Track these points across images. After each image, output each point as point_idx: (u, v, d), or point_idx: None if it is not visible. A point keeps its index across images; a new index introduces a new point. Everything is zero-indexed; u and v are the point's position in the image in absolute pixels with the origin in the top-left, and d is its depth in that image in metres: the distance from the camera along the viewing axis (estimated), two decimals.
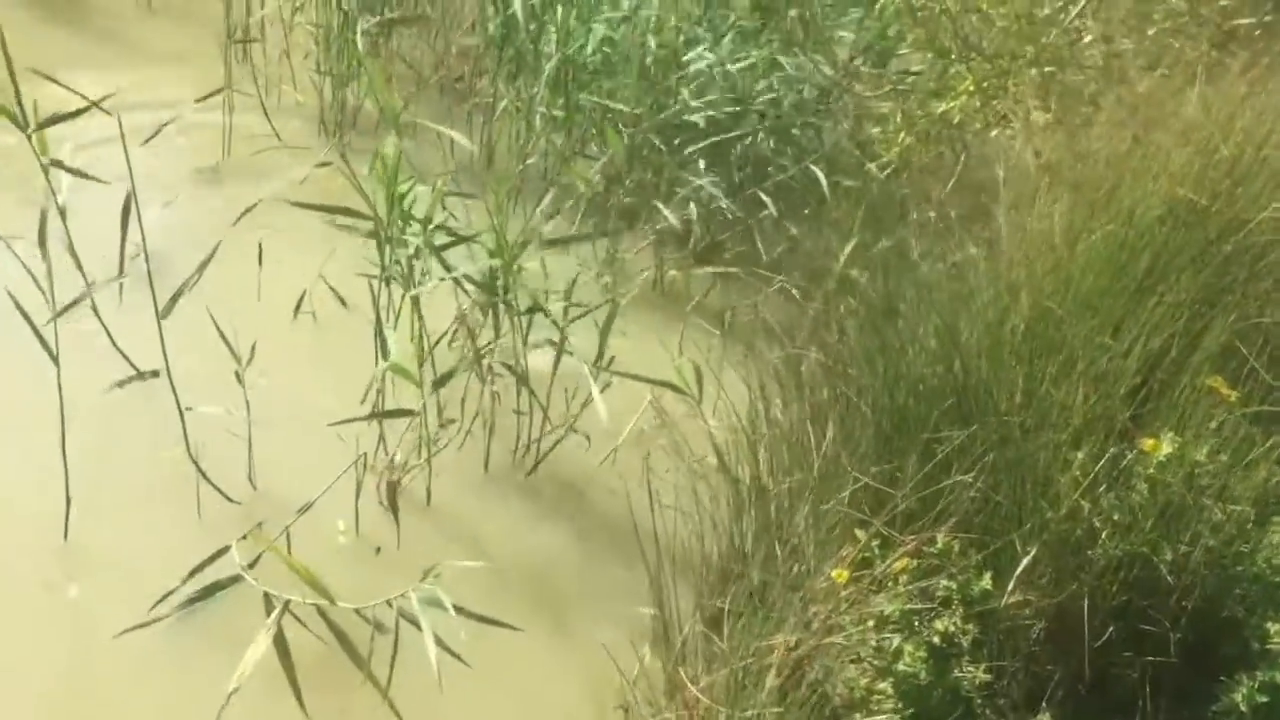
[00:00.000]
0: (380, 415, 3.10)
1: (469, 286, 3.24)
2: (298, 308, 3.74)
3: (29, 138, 2.63)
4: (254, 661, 2.30)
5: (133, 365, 3.14)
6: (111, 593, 2.82)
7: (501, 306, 3.24)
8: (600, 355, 3.23)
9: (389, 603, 2.48)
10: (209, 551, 2.73)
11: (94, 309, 3.09)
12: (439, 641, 2.42)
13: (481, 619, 2.59)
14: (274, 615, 2.35)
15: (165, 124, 3.22)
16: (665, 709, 2.41)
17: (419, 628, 2.42)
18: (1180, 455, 2.30)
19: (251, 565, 2.62)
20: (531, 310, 3.25)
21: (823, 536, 2.45)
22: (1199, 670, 2.34)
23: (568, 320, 3.26)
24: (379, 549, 3.07)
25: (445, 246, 3.19)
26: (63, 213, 2.84)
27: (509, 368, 3.29)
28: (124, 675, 2.65)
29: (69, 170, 2.84)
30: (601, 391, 3.12)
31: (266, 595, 2.45)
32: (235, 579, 2.57)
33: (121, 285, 2.99)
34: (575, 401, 3.36)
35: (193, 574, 2.68)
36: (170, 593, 2.69)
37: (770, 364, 3.05)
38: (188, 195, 4.47)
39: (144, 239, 2.99)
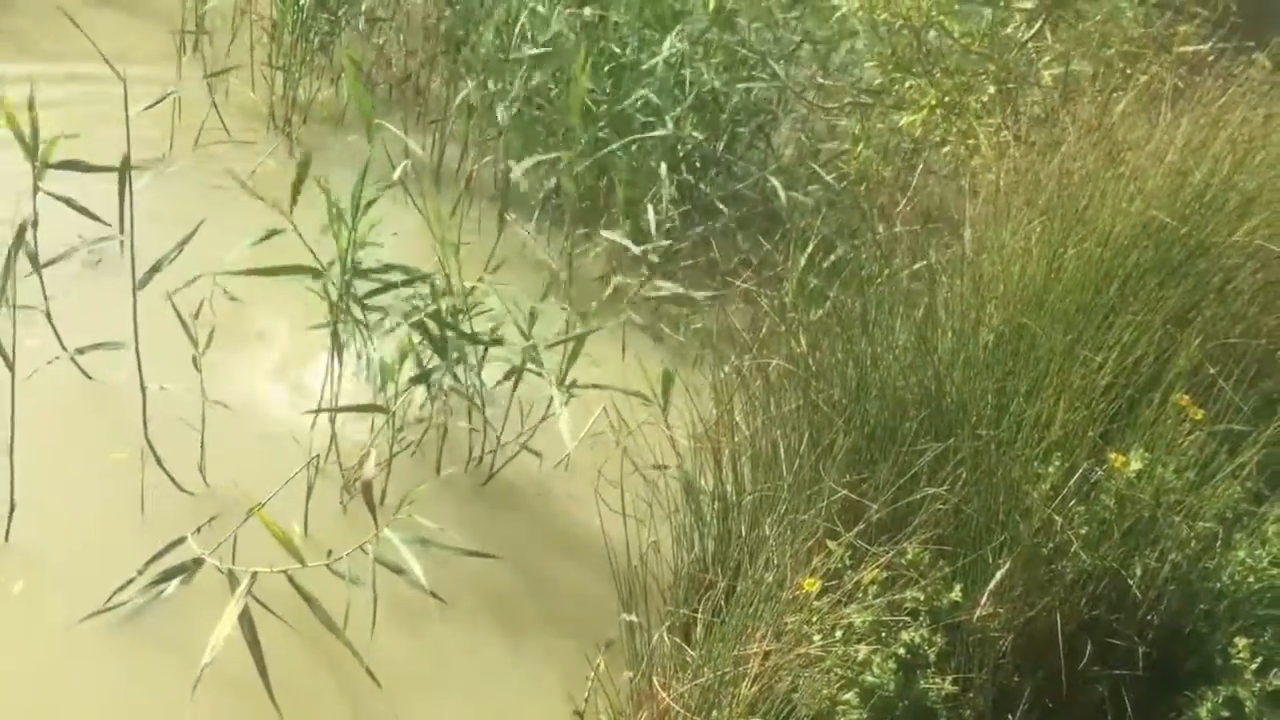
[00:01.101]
0: (346, 410, 3.04)
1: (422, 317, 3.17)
2: (196, 312, 3.55)
3: (33, 168, 2.58)
4: (224, 635, 2.28)
5: (63, 345, 3.06)
6: (61, 588, 2.73)
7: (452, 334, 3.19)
8: (563, 380, 3.19)
9: (363, 548, 2.46)
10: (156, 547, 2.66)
11: (48, 315, 3.02)
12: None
13: (465, 551, 2.70)
14: (241, 587, 2.31)
15: (170, 93, 3.13)
16: (632, 719, 2.38)
17: (397, 572, 2.47)
18: (1149, 472, 2.33)
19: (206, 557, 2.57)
20: (488, 343, 3.21)
21: (795, 546, 2.43)
22: (1164, 684, 2.37)
23: (524, 357, 3.23)
24: (330, 552, 3.00)
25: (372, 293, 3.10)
26: (35, 224, 2.76)
27: (460, 393, 3.26)
28: (79, 669, 2.57)
29: (66, 202, 2.80)
30: (566, 404, 3.10)
31: (231, 572, 2.41)
32: (198, 562, 2.51)
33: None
34: (532, 414, 3.34)
35: (151, 561, 2.61)
36: (130, 581, 2.61)
37: (732, 371, 3.04)
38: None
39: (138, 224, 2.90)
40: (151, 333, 2.91)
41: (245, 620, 2.34)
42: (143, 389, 2.94)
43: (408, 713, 2.54)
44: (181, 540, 2.62)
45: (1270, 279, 2.65)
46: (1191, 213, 2.61)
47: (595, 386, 3.22)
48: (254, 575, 2.38)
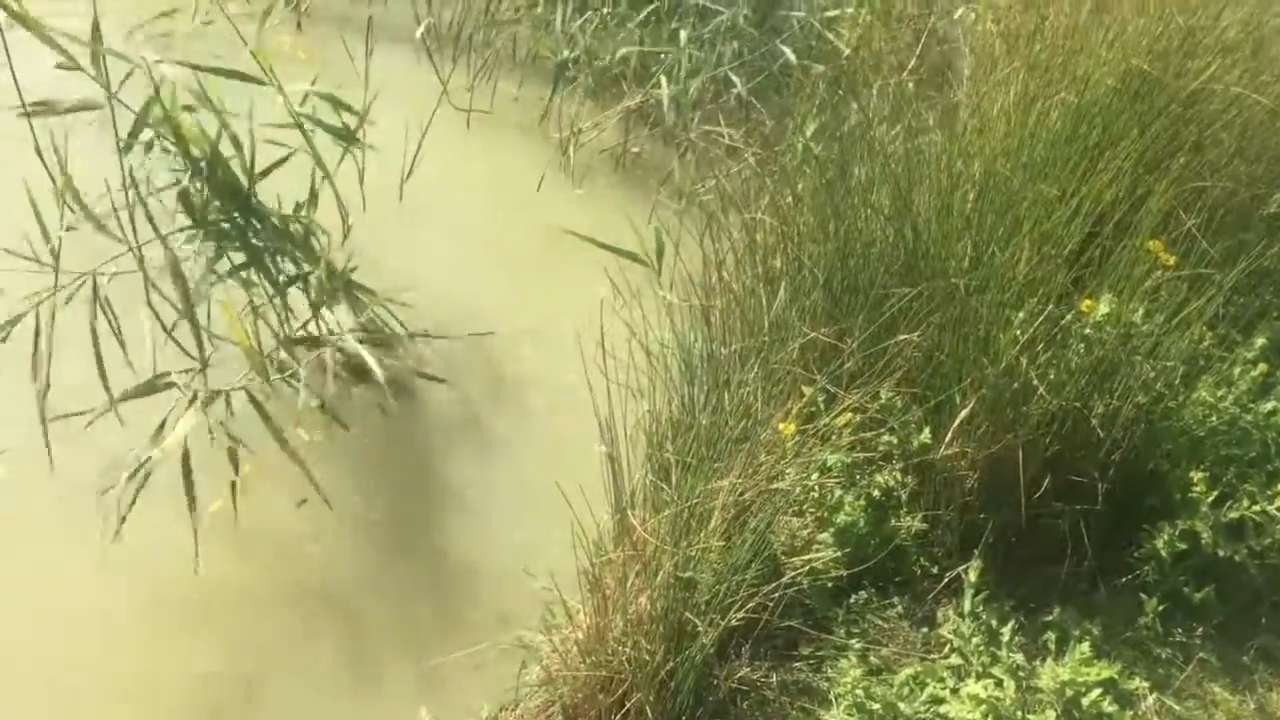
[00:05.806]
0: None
1: None
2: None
3: None
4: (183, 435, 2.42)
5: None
6: None
7: None
8: None
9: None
10: None
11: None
12: None
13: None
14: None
15: None
16: (614, 552, 2.49)
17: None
18: (1116, 315, 2.37)
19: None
20: None
21: (771, 392, 2.51)
22: (1124, 519, 2.45)
23: None
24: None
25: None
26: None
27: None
28: None
29: None
30: None
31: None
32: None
33: None
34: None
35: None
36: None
37: (727, 234, 3.08)
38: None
39: None
40: None
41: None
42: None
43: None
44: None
45: (1249, 126, 2.65)
46: (1174, 62, 2.59)
47: (594, 242, 3.28)
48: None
